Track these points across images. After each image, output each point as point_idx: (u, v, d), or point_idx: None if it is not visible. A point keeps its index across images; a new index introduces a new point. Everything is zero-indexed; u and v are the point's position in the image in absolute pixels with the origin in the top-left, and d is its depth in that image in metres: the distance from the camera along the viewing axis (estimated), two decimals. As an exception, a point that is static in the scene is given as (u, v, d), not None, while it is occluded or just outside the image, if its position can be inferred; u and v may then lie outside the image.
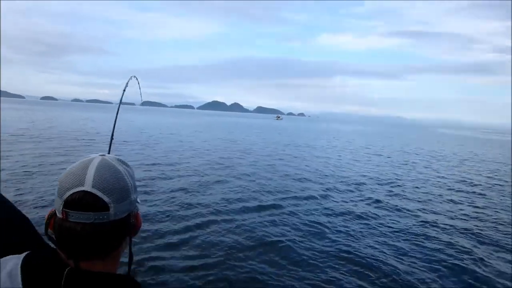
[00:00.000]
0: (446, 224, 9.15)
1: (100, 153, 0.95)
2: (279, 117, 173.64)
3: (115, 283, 0.87)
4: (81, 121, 45.65)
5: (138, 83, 3.40)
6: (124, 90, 3.30)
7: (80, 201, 0.84)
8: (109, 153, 1.83)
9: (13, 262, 0.87)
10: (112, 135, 2.75)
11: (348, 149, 29.98)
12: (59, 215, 0.86)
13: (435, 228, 8.78)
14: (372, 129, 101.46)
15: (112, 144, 2.67)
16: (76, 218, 0.84)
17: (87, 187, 0.84)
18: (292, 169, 16.74)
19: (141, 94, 3.51)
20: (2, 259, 0.89)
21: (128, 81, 3.34)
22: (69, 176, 0.87)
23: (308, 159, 21.04)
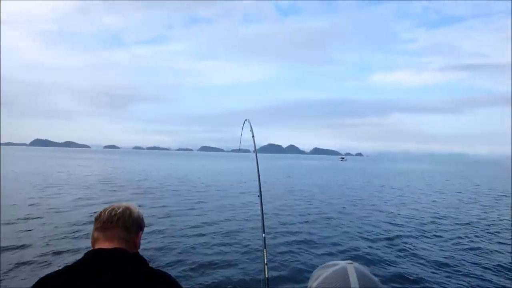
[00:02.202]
0: None
1: (347, 261, 0.93)
2: (343, 159, 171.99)
3: None
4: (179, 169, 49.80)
5: (251, 127, 3.33)
6: (241, 135, 3.42)
7: None
8: (260, 199, 2.68)
9: None
10: (260, 187, 2.82)
11: (484, 199, 23.43)
12: None
13: None
14: (446, 168, 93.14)
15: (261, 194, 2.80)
16: None
17: None
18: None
19: (253, 137, 3.30)
20: None
21: (244, 124, 3.44)
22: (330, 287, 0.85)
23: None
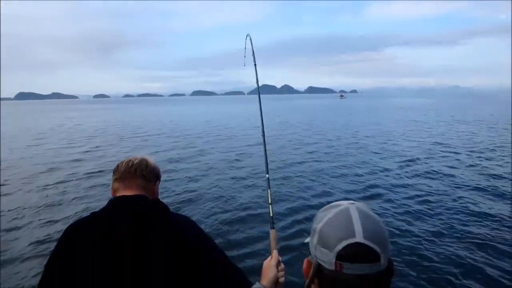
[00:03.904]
0: None
1: (349, 202, 0.97)
2: (343, 96, 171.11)
3: None
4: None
5: (251, 42, 3.30)
6: (245, 48, 3.35)
7: (356, 253, 0.86)
8: (264, 138, 2.45)
9: None
10: (262, 126, 2.61)
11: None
12: (329, 267, 0.88)
13: None
14: (447, 102, 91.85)
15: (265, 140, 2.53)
16: (352, 270, 0.86)
17: (359, 238, 0.86)
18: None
19: (253, 53, 3.20)
20: None
21: (246, 40, 3.37)
22: (334, 227, 0.90)
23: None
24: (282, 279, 1.51)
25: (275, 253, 1.62)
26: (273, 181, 9.98)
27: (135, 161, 1.67)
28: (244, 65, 3.61)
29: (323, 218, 0.95)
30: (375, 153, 15.60)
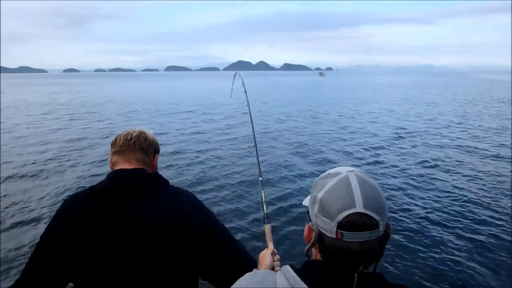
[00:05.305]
0: None
1: (348, 169, 0.98)
2: (322, 74, 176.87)
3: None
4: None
5: (242, 80, 3.75)
6: (233, 84, 3.99)
7: (356, 222, 0.89)
8: (256, 148, 2.64)
9: (287, 275, 0.92)
10: (254, 137, 2.77)
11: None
12: (331, 235, 0.92)
13: None
14: (425, 79, 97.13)
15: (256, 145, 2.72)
16: (351, 238, 0.89)
17: (359, 208, 0.89)
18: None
19: (245, 91, 3.58)
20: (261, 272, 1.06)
21: (234, 78, 3.97)
22: (335, 197, 0.92)
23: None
24: (278, 268, 1.52)
25: (270, 245, 1.67)
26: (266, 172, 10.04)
27: (134, 134, 1.61)
28: (231, 96, 4.31)
29: (323, 187, 0.96)
30: (374, 134, 15.77)
